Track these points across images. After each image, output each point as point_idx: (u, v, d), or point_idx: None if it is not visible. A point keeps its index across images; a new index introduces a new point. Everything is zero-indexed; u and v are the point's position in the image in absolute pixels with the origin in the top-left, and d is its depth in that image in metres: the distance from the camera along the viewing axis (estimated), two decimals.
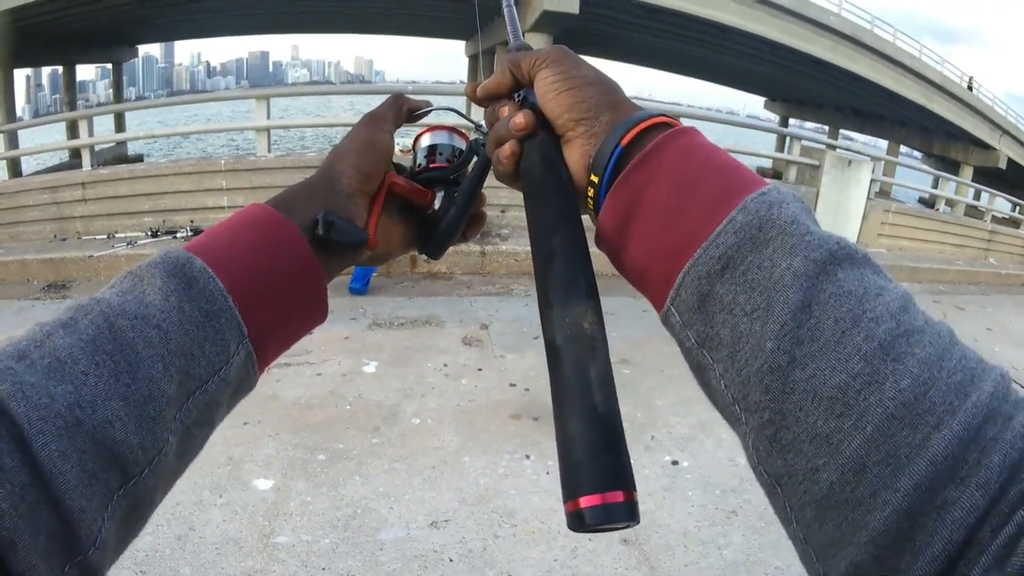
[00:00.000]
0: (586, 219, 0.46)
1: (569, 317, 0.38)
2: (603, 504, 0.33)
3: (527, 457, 3.13)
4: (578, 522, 0.34)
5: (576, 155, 0.46)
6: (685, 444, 3.35)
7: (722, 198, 0.37)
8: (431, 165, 0.59)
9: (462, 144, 0.60)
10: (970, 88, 25.94)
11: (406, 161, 0.60)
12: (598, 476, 0.34)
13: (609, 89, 0.47)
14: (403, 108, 0.59)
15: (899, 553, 0.28)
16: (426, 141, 0.60)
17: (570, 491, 0.34)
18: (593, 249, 0.43)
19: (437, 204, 0.58)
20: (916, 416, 0.29)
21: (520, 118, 0.48)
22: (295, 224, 0.46)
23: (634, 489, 0.34)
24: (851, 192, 8.18)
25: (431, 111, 0.61)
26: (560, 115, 0.47)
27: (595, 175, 0.44)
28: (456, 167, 0.58)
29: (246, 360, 0.42)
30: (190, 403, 0.39)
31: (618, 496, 0.33)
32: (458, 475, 2.99)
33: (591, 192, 0.44)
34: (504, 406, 3.60)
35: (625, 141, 0.42)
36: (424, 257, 0.60)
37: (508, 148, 0.49)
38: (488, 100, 0.54)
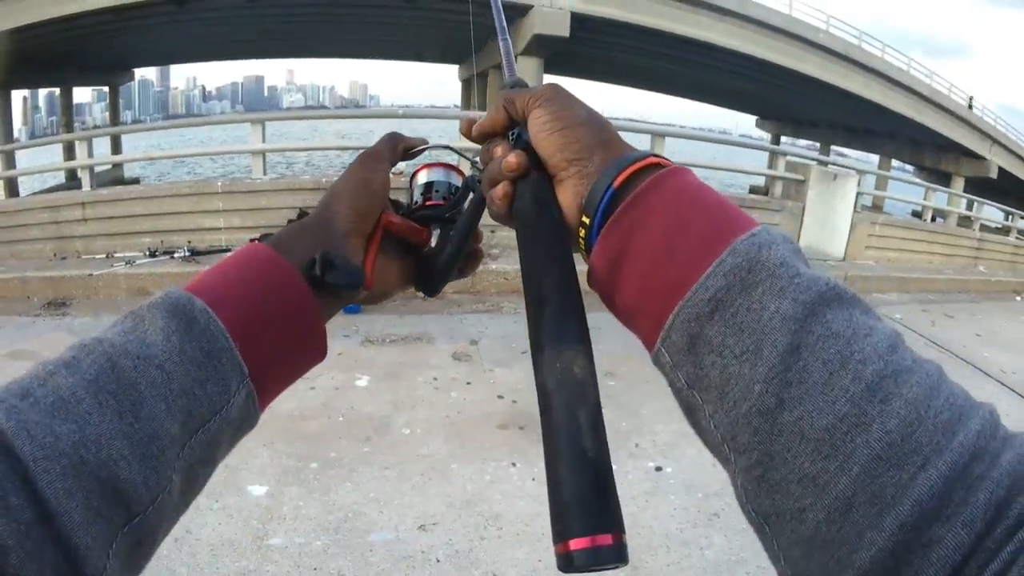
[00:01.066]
0: (579, 258, 0.47)
1: (560, 362, 0.39)
2: (592, 547, 0.34)
3: (513, 464, 3.23)
4: (567, 564, 0.34)
5: (568, 195, 0.46)
6: (668, 451, 3.44)
7: (712, 240, 0.38)
8: (427, 203, 0.59)
9: (458, 181, 0.60)
10: (970, 107, 26.21)
11: (402, 192, 0.61)
12: (587, 519, 0.35)
13: (601, 128, 0.48)
14: (398, 147, 0.60)
15: None
16: (423, 178, 0.60)
17: (560, 533, 0.35)
18: (585, 287, 0.44)
19: (433, 242, 0.58)
20: (902, 456, 0.30)
21: (512, 159, 0.48)
22: (293, 264, 0.47)
23: (623, 531, 0.35)
24: (837, 206, 8.30)
25: (426, 149, 0.62)
26: (552, 155, 0.47)
27: (587, 216, 0.44)
28: (452, 205, 0.59)
29: (247, 399, 0.43)
30: (193, 442, 0.40)
31: (607, 539, 0.34)
32: (446, 481, 3.08)
33: (583, 233, 0.45)
34: (492, 417, 3.70)
35: (617, 183, 0.43)
36: (421, 294, 0.61)
37: (501, 189, 0.49)
38: (483, 138, 0.55)
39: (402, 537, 2.68)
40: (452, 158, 0.66)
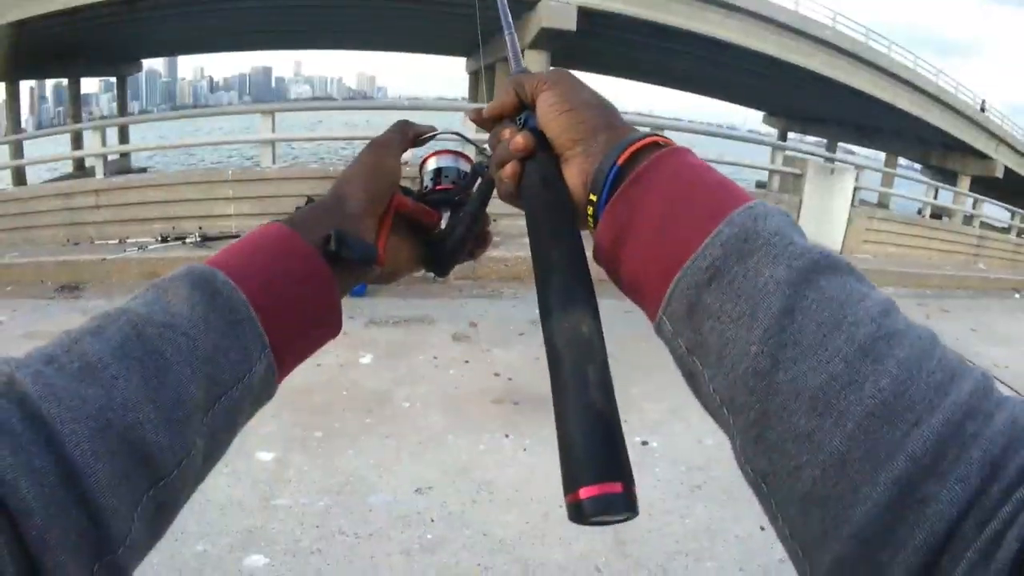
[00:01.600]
0: (585, 235, 0.48)
1: (567, 322, 0.40)
2: (601, 495, 0.34)
3: (506, 436, 3.39)
4: (577, 513, 0.34)
5: (574, 173, 0.48)
6: (656, 427, 3.58)
7: (710, 213, 0.39)
8: (437, 187, 0.61)
9: (467, 167, 0.62)
10: (983, 110, 26.15)
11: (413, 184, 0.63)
12: (596, 468, 0.35)
13: (607, 111, 0.49)
14: (408, 133, 0.61)
15: (881, 547, 0.29)
16: (432, 165, 0.62)
17: (570, 484, 0.35)
18: (592, 265, 0.45)
19: (443, 224, 0.60)
20: (895, 413, 0.30)
21: (520, 139, 0.50)
22: (309, 242, 0.48)
23: (632, 483, 0.35)
24: (835, 200, 8.39)
25: (436, 135, 0.63)
26: (560, 135, 0.49)
27: (593, 193, 0.46)
28: (461, 188, 0.60)
29: (267, 369, 0.44)
30: (216, 408, 0.41)
31: (616, 487, 0.34)
32: (442, 450, 3.25)
33: (590, 209, 0.46)
34: (488, 392, 3.87)
35: (621, 160, 0.44)
36: (432, 275, 0.62)
37: (510, 168, 0.50)
38: (493, 121, 0.56)
39: (399, 499, 2.85)
40: (461, 146, 0.68)
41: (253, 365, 0.43)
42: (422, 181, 0.63)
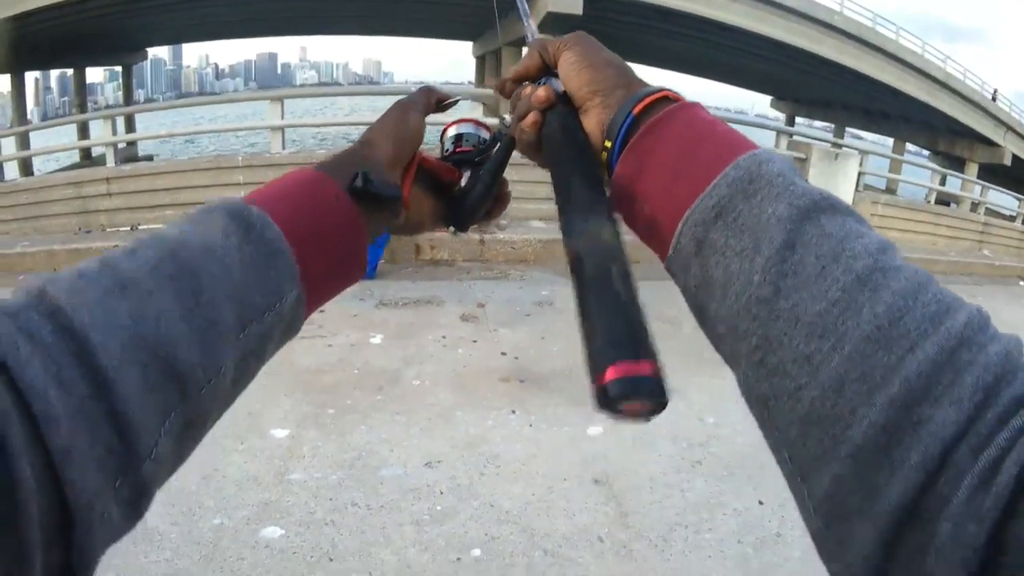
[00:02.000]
0: None
1: (590, 231, 0.41)
2: (628, 375, 0.33)
3: (513, 412, 3.48)
4: (604, 397, 0.33)
5: (593, 122, 0.51)
6: None
7: (718, 159, 0.41)
8: (457, 150, 0.63)
9: (487, 135, 0.65)
10: (994, 99, 26.03)
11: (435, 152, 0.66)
12: (622, 348, 0.34)
13: (623, 70, 0.53)
14: (432, 97, 0.63)
15: (878, 468, 0.30)
16: (453, 132, 0.65)
17: (595, 368, 0.34)
18: None
19: (464, 182, 0.62)
20: (891, 339, 0.31)
21: (541, 92, 0.53)
22: (338, 182, 0.50)
23: (661, 368, 0.34)
24: (839, 185, 8.39)
25: (458, 101, 0.66)
26: (580, 88, 0.52)
27: (609, 140, 0.48)
28: (481, 151, 0.63)
29: (297, 300, 0.45)
30: (247, 332, 0.41)
31: (645, 367, 0.33)
32: (451, 426, 3.34)
33: (604, 156, 0.49)
34: (495, 371, 3.95)
35: (637, 110, 0.47)
36: (452, 230, 0.64)
37: (531, 118, 0.53)
38: (517, 82, 0.59)
39: (409, 472, 2.94)
40: (481, 117, 0.69)
41: (285, 295, 0.44)
42: (443, 146, 0.65)
